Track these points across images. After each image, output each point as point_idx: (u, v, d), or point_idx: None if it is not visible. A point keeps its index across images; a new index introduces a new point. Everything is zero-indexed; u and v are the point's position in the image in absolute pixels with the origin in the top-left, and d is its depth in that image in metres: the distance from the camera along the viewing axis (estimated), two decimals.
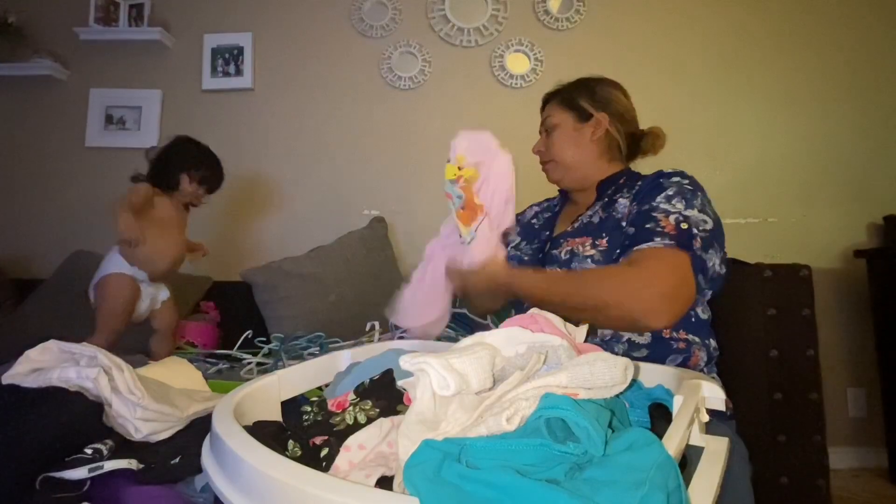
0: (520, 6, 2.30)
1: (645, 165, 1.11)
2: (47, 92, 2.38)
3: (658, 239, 0.84)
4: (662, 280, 0.81)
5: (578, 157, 1.06)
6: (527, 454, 0.35)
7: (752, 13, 2.25)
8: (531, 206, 1.23)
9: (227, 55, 2.35)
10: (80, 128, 2.36)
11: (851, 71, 2.21)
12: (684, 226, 0.85)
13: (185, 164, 1.47)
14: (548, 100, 1.14)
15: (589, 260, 0.93)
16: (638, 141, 1.08)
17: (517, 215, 1.22)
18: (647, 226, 0.87)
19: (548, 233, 1.10)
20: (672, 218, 0.86)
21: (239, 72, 2.34)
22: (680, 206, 0.88)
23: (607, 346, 0.88)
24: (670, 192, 0.90)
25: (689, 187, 0.91)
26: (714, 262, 0.88)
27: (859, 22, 2.22)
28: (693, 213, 0.87)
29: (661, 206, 0.89)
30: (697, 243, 0.85)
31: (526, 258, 1.08)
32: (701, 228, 0.86)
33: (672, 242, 0.83)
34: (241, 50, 2.35)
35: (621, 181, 1.04)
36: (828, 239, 2.16)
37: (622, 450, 0.35)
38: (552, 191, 1.19)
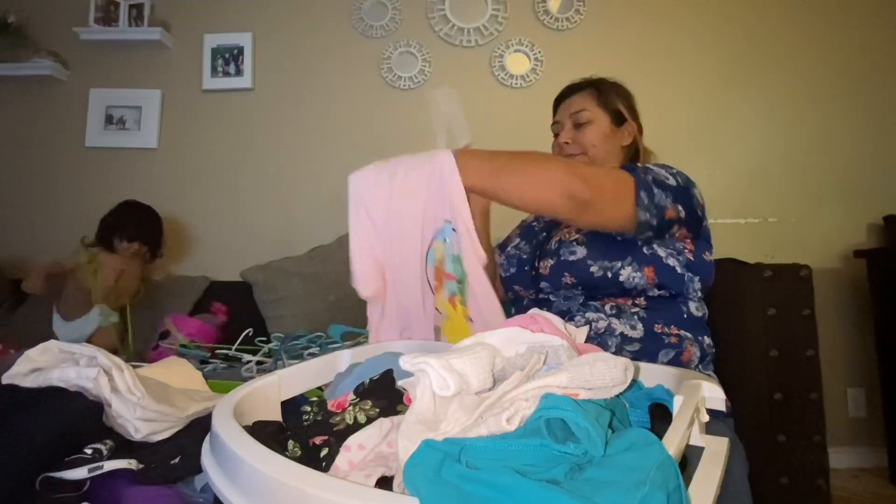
0: (520, 6, 2.30)
1: None
2: (47, 92, 2.38)
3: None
4: (591, 171, 0.84)
5: (607, 159, 1.07)
6: (527, 454, 0.35)
7: (753, 13, 2.25)
8: None
9: (227, 55, 2.35)
10: (80, 128, 2.36)
11: (851, 71, 2.21)
12: (637, 169, 0.87)
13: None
14: (574, 91, 1.13)
15: (574, 243, 0.95)
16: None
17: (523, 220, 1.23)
18: None
19: (544, 234, 1.11)
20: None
21: (239, 72, 2.34)
22: (646, 167, 0.90)
23: (600, 339, 0.89)
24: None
25: (672, 167, 0.93)
26: (665, 199, 0.86)
27: (859, 22, 2.22)
28: (659, 170, 0.89)
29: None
30: (646, 175, 0.86)
31: (525, 256, 1.09)
32: (655, 175, 0.87)
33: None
34: (241, 50, 2.35)
35: None
36: (828, 239, 2.16)
37: (622, 450, 0.35)
38: None
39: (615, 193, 0.83)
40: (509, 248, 1.12)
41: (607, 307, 0.93)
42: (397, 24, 2.33)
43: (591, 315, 0.92)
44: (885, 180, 2.17)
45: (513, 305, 1.09)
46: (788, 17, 2.24)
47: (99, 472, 0.58)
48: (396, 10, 2.33)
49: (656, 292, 0.92)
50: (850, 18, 2.23)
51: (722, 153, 2.24)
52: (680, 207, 0.89)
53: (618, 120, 1.08)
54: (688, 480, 0.36)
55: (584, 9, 2.27)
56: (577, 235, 0.96)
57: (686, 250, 0.93)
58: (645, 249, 0.91)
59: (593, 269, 0.92)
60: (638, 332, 0.90)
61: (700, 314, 0.96)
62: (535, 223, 1.18)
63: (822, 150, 2.20)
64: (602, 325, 0.91)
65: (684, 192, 0.90)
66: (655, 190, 0.86)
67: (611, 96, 1.09)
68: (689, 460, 0.41)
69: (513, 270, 1.06)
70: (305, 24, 2.37)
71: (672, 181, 0.89)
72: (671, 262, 0.92)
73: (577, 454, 0.35)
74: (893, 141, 2.19)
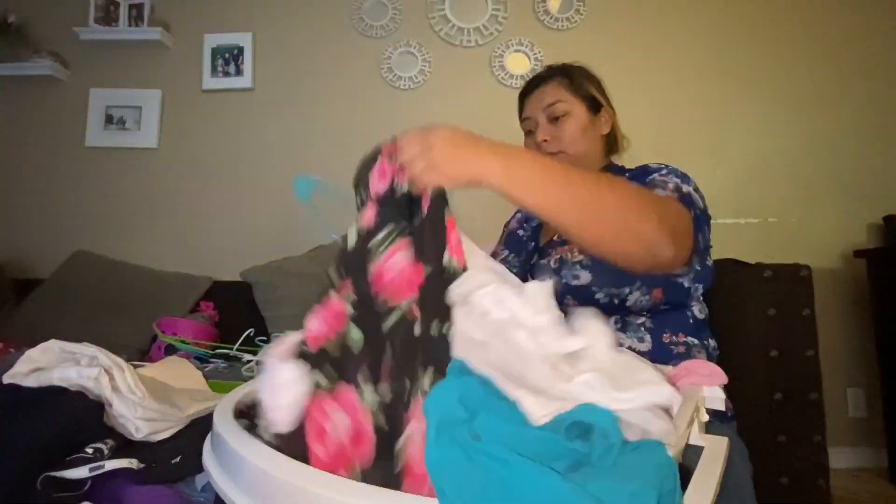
0: (520, 6, 2.30)
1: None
2: (47, 92, 2.38)
3: (660, 190, 0.83)
4: (673, 219, 0.76)
5: (588, 153, 1.00)
6: (534, 445, 0.35)
7: (753, 13, 2.25)
8: (515, 215, 1.18)
9: (227, 55, 2.35)
10: (80, 128, 2.36)
11: (852, 70, 2.21)
12: (685, 190, 0.84)
13: None
14: (542, 81, 1.04)
15: (578, 265, 0.88)
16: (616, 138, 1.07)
17: (505, 226, 1.20)
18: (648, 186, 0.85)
19: (533, 243, 1.06)
20: (671, 185, 0.85)
21: (239, 72, 2.34)
22: (676, 180, 0.86)
23: None
24: (664, 171, 0.89)
25: (681, 171, 0.90)
26: (705, 238, 0.87)
27: (859, 22, 2.22)
28: (689, 188, 0.86)
29: (658, 178, 0.87)
30: (700, 213, 0.84)
31: (515, 270, 1.05)
32: (699, 206, 0.85)
33: (676, 196, 0.82)
34: (241, 50, 2.35)
35: None
36: (828, 239, 2.16)
37: (626, 452, 0.36)
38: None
39: (686, 244, 0.78)
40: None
41: (611, 320, 0.89)
42: (397, 24, 2.33)
43: None
44: (885, 180, 2.17)
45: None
46: (789, 17, 2.24)
47: (100, 471, 0.58)
48: (396, 10, 2.33)
49: (661, 307, 0.89)
50: (851, 17, 2.23)
51: (722, 153, 2.23)
52: (706, 229, 0.87)
53: (594, 107, 1.01)
54: (688, 480, 0.36)
55: (584, 9, 2.27)
56: (580, 256, 0.89)
57: (695, 264, 0.89)
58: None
59: (599, 295, 0.87)
60: (646, 345, 0.87)
61: (703, 316, 0.95)
62: (520, 231, 1.12)
63: (822, 150, 2.20)
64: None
65: (707, 217, 0.88)
66: (704, 227, 0.84)
67: (583, 82, 1.01)
68: (688, 460, 0.42)
69: None
70: (305, 24, 2.37)
71: (701, 204, 0.86)
72: (681, 279, 0.88)
73: (583, 452, 0.35)
74: (893, 141, 2.19)
